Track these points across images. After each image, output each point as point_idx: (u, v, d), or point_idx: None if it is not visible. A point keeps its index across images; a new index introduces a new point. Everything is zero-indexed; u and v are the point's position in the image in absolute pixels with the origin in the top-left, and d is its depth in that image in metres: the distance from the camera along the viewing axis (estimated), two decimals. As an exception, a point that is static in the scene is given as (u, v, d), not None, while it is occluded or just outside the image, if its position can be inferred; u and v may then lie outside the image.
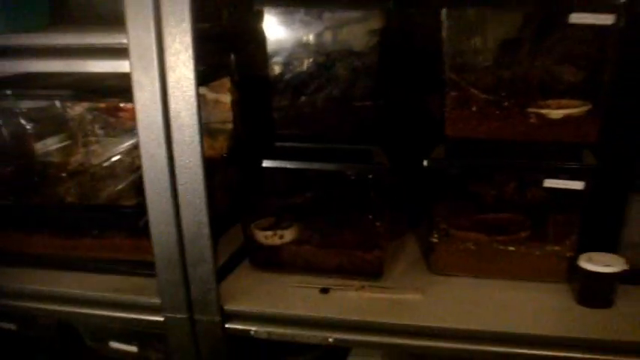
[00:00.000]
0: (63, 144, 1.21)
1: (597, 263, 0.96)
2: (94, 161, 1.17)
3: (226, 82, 1.16)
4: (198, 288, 1.01)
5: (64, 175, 1.21)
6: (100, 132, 1.19)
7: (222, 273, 1.10)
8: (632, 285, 1.01)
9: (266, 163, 1.06)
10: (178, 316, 1.03)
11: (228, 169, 1.24)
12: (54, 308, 1.12)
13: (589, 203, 1.01)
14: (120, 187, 1.14)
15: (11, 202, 1.21)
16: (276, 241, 1.10)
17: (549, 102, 1.01)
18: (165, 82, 0.90)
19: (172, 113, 0.92)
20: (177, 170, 0.96)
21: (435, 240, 1.07)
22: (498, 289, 1.05)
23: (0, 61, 0.97)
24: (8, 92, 1.08)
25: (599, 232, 1.05)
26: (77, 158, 1.17)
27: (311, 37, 1.03)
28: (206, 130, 1.21)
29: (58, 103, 1.15)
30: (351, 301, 1.02)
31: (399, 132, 1.07)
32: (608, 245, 1.02)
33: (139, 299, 1.06)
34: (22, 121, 1.17)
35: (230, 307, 1.02)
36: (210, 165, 1.15)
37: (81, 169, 1.19)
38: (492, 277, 1.07)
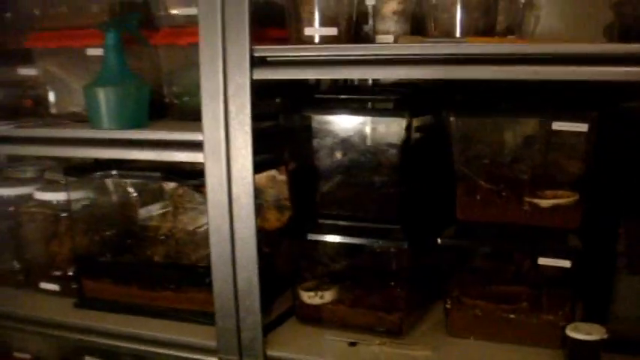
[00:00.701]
0: (162, 211, 1.54)
1: (581, 332, 1.15)
2: (181, 228, 1.48)
3: (283, 168, 1.46)
4: (247, 335, 1.27)
5: (156, 238, 1.53)
6: (188, 205, 1.51)
7: (272, 325, 1.36)
8: (620, 354, 1.18)
9: (310, 237, 1.34)
10: (230, 357, 1.29)
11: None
12: (134, 347, 1.41)
13: (583, 280, 1.21)
14: (198, 251, 1.44)
15: (109, 259, 1.54)
16: (317, 300, 1.35)
17: (547, 192, 1.23)
18: (230, 171, 1.20)
19: (234, 196, 1.21)
20: (236, 240, 1.24)
21: (448, 306, 1.29)
22: (502, 351, 1.24)
23: (110, 150, 1.31)
24: (114, 173, 1.42)
25: (592, 305, 1.24)
26: (168, 225, 1.49)
27: (347, 135, 1.31)
28: (275, 204, 1.51)
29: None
30: (373, 354, 1.25)
31: (418, 214, 1.31)
32: (601, 317, 1.21)
33: (199, 342, 1.34)
34: (130, 190, 1.52)
35: (273, 352, 1.28)
36: (274, 235, 1.44)
37: (169, 235, 1.51)
38: (498, 341, 1.26)
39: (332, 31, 1.21)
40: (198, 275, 1.39)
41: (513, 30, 1.29)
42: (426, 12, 1.22)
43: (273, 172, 1.43)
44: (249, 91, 1.15)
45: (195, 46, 1.22)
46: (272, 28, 1.34)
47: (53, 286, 1.60)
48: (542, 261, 1.20)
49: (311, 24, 1.21)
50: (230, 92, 1.16)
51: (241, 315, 1.27)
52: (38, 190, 1.59)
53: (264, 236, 1.35)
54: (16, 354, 1.77)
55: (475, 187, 1.25)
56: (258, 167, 1.22)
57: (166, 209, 1.53)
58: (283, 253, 1.46)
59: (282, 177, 1.48)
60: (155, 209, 1.55)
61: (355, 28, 1.28)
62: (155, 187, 1.54)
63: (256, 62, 1.15)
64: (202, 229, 1.46)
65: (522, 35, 1.32)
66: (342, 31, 1.23)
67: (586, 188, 1.19)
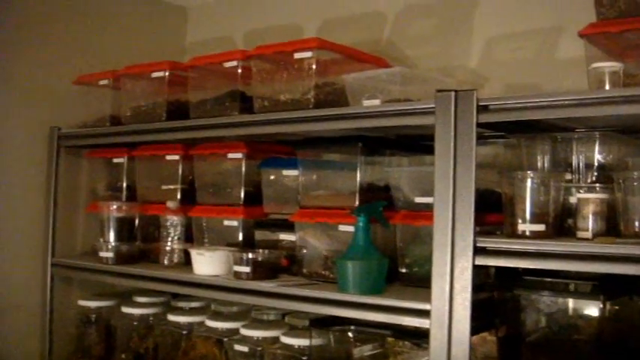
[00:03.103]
0: (375, 352, 1.95)
1: None
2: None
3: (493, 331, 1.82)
4: None
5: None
6: (406, 346, 1.89)
7: None
8: None
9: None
10: None
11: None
12: None
13: None
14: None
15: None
16: None
17: None
18: (451, 335, 1.58)
19: (452, 354, 1.58)
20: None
21: None
22: None
23: (352, 311, 1.75)
24: (352, 328, 1.88)
25: None
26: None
27: (550, 311, 1.66)
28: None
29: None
30: None
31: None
32: None
33: None
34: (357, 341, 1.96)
35: None
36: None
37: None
38: None
39: (540, 227, 1.61)
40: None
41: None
42: (619, 213, 1.57)
43: (484, 334, 1.79)
44: (471, 273, 1.56)
45: (426, 227, 1.67)
46: (490, 213, 1.75)
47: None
48: None
49: (523, 220, 1.61)
50: (456, 273, 1.57)
51: None
52: (284, 334, 2.08)
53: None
54: None
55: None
56: (473, 330, 1.60)
57: (387, 358, 1.94)
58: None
59: (492, 338, 1.83)
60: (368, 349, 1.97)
61: (560, 223, 1.66)
62: (378, 338, 1.97)
63: (478, 251, 1.56)
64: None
65: None
66: (549, 227, 1.62)
67: None
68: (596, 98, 1.50)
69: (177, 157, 2.42)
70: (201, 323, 2.33)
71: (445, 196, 1.60)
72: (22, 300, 2.58)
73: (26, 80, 2.57)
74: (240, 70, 2.15)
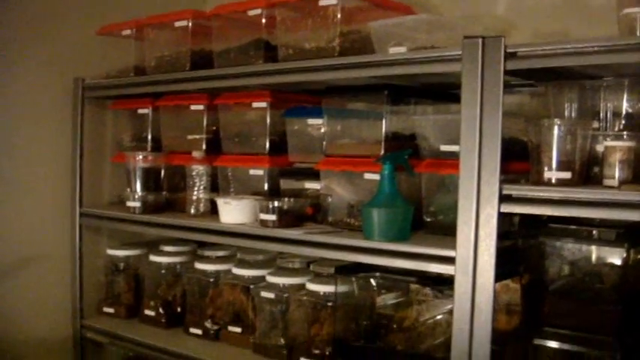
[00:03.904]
0: (399, 300, 2.00)
1: None
2: (421, 319, 1.92)
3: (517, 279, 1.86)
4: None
5: (399, 329, 1.98)
6: (429, 296, 1.94)
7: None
8: None
9: (536, 341, 1.71)
10: None
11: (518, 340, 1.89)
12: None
13: None
14: (436, 342, 1.86)
15: (361, 344, 2.01)
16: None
17: None
18: (475, 281, 1.62)
19: (477, 301, 1.63)
20: (474, 338, 1.65)
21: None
22: None
23: (378, 258, 1.80)
24: (377, 274, 1.92)
25: None
26: (410, 318, 1.94)
27: (574, 258, 1.69)
28: (506, 309, 1.89)
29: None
30: None
31: (633, 330, 1.63)
32: None
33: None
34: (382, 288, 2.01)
35: None
36: (501, 335, 1.83)
37: (410, 327, 1.95)
38: None
39: (566, 174, 1.62)
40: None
41: None
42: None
43: (507, 282, 1.82)
44: (496, 220, 1.59)
45: (451, 175, 1.70)
46: (516, 162, 1.77)
47: (310, 362, 2.11)
48: None
49: (550, 168, 1.63)
50: (481, 221, 1.61)
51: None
52: (309, 281, 2.14)
53: (494, 336, 1.75)
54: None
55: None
56: (497, 278, 1.64)
57: (410, 306, 1.99)
58: (507, 351, 1.83)
59: (515, 286, 1.87)
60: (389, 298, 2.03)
61: (586, 171, 1.68)
62: (402, 285, 2.02)
63: (504, 198, 1.59)
64: (437, 322, 1.90)
65: None
66: (575, 174, 1.64)
67: None
68: (627, 45, 1.49)
69: (201, 107, 2.45)
70: (228, 271, 2.41)
71: (471, 144, 1.62)
72: (52, 250, 2.67)
73: (50, 32, 2.61)
74: (264, 19, 2.16)
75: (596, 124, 1.76)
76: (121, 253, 2.71)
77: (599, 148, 1.70)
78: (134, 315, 2.66)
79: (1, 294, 2.52)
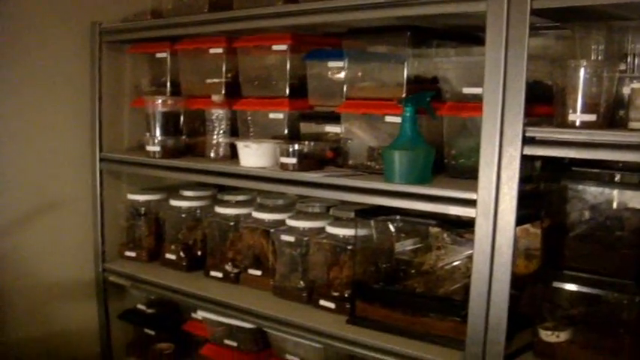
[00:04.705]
0: (418, 245, 2.03)
1: None
2: (439, 264, 1.95)
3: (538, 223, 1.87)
4: (490, 361, 1.70)
5: (418, 272, 2.01)
6: (448, 241, 1.97)
7: (511, 356, 1.75)
8: None
9: (555, 284, 1.73)
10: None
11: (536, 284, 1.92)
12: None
13: None
14: (454, 286, 1.89)
15: (380, 287, 2.04)
16: (553, 339, 1.73)
17: None
18: (496, 225, 1.64)
19: (497, 245, 1.64)
20: (493, 282, 1.67)
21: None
22: None
23: (398, 200, 1.82)
24: (397, 217, 1.95)
25: None
26: (429, 262, 1.97)
27: (596, 202, 1.69)
28: (525, 253, 1.91)
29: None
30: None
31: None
32: None
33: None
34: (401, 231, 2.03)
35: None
36: (520, 279, 1.85)
37: (429, 270, 1.98)
38: None
39: (591, 117, 1.62)
40: (454, 307, 1.84)
41: None
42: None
43: (527, 226, 1.84)
44: (519, 163, 1.59)
45: (473, 118, 1.70)
46: (539, 104, 1.76)
47: (330, 304, 2.14)
48: None
49: (574, 110, 1.63)
50: (503, 163, 1.61)
51: (488, 344, 1.70)
52: (330, 224, 2.17)
53: (512, 280, 1.77)
54: (288, 356, 2.37)
55: None
56: (517, 221, 1.65)
57: (429, 249, 2.02)
58: (526, 295, 1.86)
59: (535, 230, 1.88)
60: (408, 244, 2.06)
61: (611, 114, 1.67)
62: (422, 229, 2.04)
63: (527, 140, 1.59)
64: (456, 267, 1.93)
65: None
66: (600, 117, 1.63)
67: None
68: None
69: (220, 50, 2.44)
70: (248, 215, 2.45)
71: (495, 85, 1.61)
72: (73, 195, 2.72)
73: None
74: (283, -42, 2.14)
75: (622, 67, 1.74)
76: (141, 197, 2.74)
77: (625, 90, 1.69)
78: (155, 259, 2.71)
79: (26, 238, 2.58)
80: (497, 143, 1.62)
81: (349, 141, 2.10)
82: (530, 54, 1.59)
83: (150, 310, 2.83)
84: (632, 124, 1.61)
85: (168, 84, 2.66)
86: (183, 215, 2.63)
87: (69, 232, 2.72)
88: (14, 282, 2.56)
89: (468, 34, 2.10)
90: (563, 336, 1.72)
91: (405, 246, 2.07)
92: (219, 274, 2.47)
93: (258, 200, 2.56)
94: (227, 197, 2.63)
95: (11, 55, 2.49)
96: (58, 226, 2.67)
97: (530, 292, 1.84)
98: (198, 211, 2.63)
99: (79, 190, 2.73)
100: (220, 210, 2.50)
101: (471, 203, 1.67)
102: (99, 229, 2.76)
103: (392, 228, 2.03)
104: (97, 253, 2.77)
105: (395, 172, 1.81)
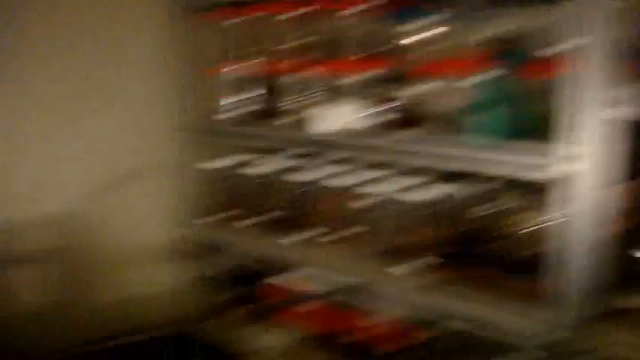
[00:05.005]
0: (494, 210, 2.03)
1: None
2: (520, 226, 1.93)
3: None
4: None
5: (499, 235, 2.00)
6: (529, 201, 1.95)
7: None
8: None
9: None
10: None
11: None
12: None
13: None
14: (536, 250, 1.87)
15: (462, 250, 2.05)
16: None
17: None
18: (581, 188, 1.61)
19: (581, 208, 1.62)
20: (576, 246, 1.66)
21: None
22: None
23: (482, 164, 1.80)
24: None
25: None
26: (511, 225, 1.95)
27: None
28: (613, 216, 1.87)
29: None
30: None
31: None
32: None
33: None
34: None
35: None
36: (606, 244, 1.82)
37: (511, 234, 1.97)
38: None
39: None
40: (540, 269, 1.83)
41: None
42: None
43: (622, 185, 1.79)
44: (608, 124, 1.57)
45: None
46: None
47: (411, 267, 2.16)
48: None
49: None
50: (590, 125, 1.59)
51: (583, 303, 1.70)
52: (409, 188, 2.16)
53: (602, 242, 1.73)
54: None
55: None
56: (604, 184, 1.63)
57: (510, 213, 2.00)
58: (607, 261, 1.83)
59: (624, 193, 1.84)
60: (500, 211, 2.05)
61: None
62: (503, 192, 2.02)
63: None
64: (536, 232, 1.92)
65: None
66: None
67: None
68: None
69: (294, 14, 2.42)
70: (326, 180, 2.44)
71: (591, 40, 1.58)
72: (151, 162, 2.79)
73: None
74: None
75: None
76: (217, 164, 2.77)
77: None
78: (234, 224, 2.74)
79: (109, 206, 2.69)
80: (592, 104, 1.59)
81: (429, 104, 2.08)
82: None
83: (227, 275, 2.88)
84: None
85: (243, 51, 2.67)
86: (260, 181, 2.66)
87: (147, 199, 2.80)
88: (100, 247, 2.66)
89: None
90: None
91: (486, 208, 2.06)
92: (300, 238, 2.49)
93: (337, 165, 2.56)
94: (304, 162, 2.63)
95: (88, 26, 2.56)
96: (137, 193, 2.75)
97: (613, 258, 1.81)
98: (275, 177, 2.65)
99: (156, 157, 2.80)
100: (297, 176, 2.51)
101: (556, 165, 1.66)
102: (176, 196, 2.83)
103: (473, 191, 2.01)
104: (174, 219, 2.85)
105: (477, 134, 1.79)
